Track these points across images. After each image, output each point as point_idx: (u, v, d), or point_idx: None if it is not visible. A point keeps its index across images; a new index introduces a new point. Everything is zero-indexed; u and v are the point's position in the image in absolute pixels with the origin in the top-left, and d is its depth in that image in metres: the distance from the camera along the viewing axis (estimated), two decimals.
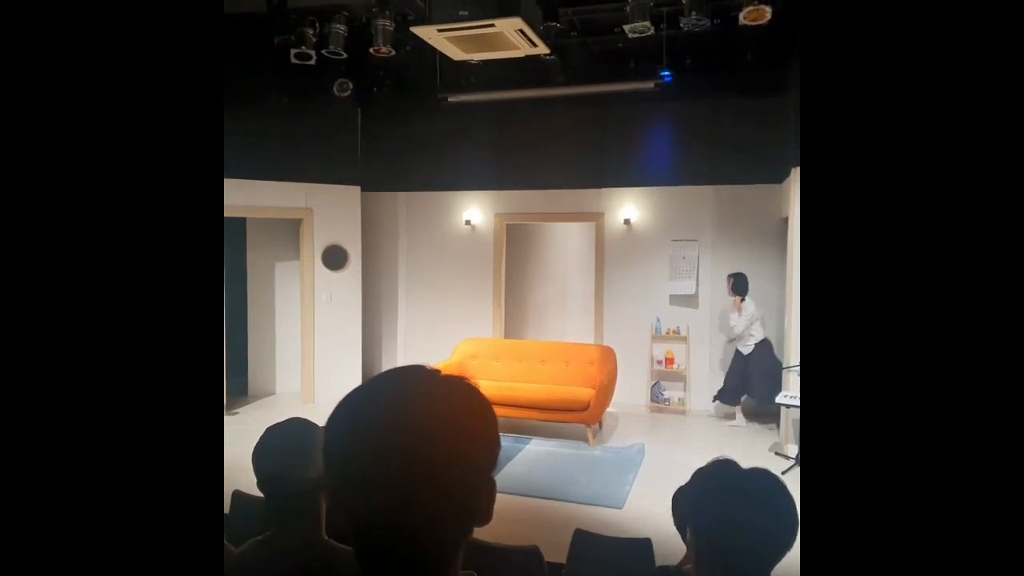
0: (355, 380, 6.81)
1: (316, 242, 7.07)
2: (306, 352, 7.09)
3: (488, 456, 0.67)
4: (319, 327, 7.11)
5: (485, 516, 0.68)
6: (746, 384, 6.29)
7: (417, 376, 0.68)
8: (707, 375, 6.97)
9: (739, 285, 6.27)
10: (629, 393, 6.87)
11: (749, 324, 6.20)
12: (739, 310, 6.21)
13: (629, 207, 7.12)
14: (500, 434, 0.68)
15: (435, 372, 0.68)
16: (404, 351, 7.76)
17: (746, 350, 6.25)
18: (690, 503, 1.13)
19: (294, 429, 1.29)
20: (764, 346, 6.26)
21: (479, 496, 0.67)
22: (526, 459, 5.32)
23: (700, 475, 1.15)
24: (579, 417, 5.59)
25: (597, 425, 5.96)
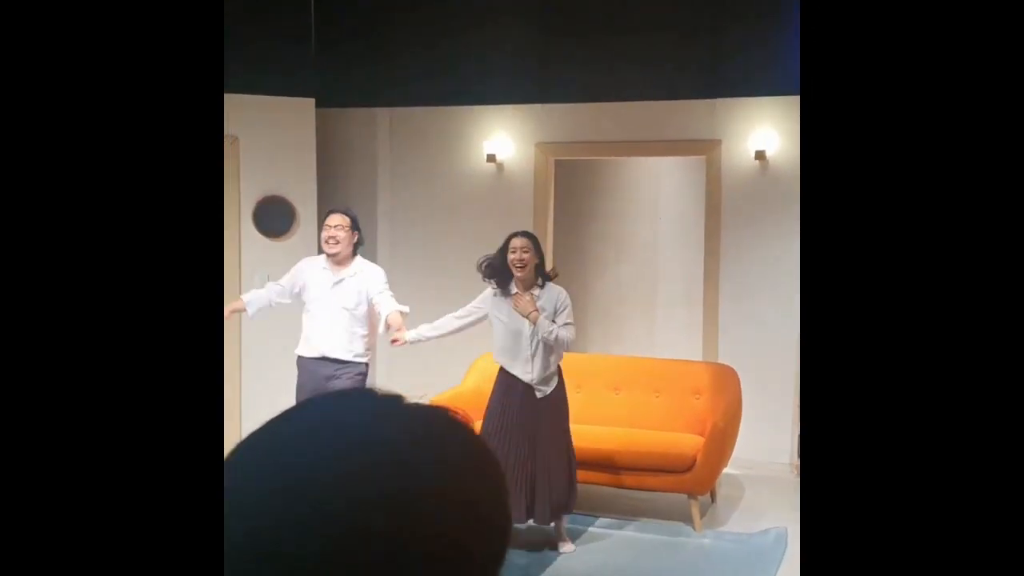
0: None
1: (243, 191, 6.35)
2: (228, 366, 6.37)
3: (497, 546, 0.63)
4: (248, 327, 6.31)
5: None
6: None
7: (373, 407, 0.63)
8: None
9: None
10: (762, 443, 6.26)
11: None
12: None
13: (765, 131, 6.35)
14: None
15: (406, 404, 0.63)
16: (388, 369, 7.17)
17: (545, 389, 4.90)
18: None
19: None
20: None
21: None
22: (590, 551, 5.02)
23: None
24: (678, 482, 5.25)
25: (709, 496, 5.60)
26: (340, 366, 4.98)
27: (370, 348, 5.06)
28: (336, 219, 5.02)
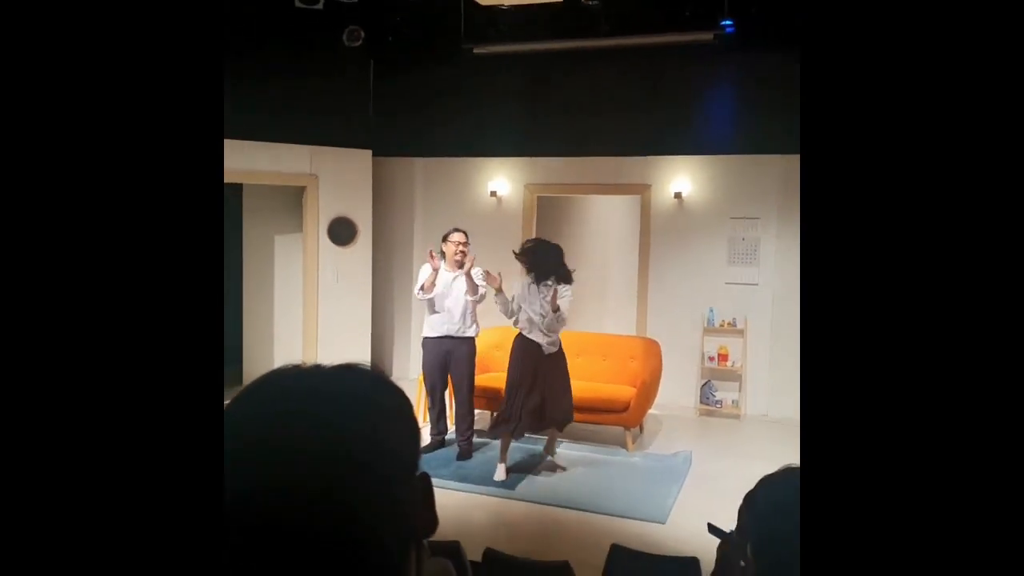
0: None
1: (321, 213, 7.17)
2: (308, 337, 7.11)
3: (409, 444, 0.68)
4: (323, 309, 7.18)
5: (428, 522, 0.69)
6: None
7: (301, 373, 0.70)
8: (766, 374, 6.99)
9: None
10: (675, 393, 6.98)
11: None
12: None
13: (681, 179, 7.16)
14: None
15: (317, 367, 0.70)
16: (418, 338, 7.35)
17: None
18: (752, 515, 1.09)
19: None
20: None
21: (410, 497, 0.67)
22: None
23: (766, 484, 1.11)
24: (617, 419, 5.66)
25: (638, 429, 6.06)
26: (459, 341, 5.34)
27: (477, 326, 5.47)
28: (462, 237, 5.33)
